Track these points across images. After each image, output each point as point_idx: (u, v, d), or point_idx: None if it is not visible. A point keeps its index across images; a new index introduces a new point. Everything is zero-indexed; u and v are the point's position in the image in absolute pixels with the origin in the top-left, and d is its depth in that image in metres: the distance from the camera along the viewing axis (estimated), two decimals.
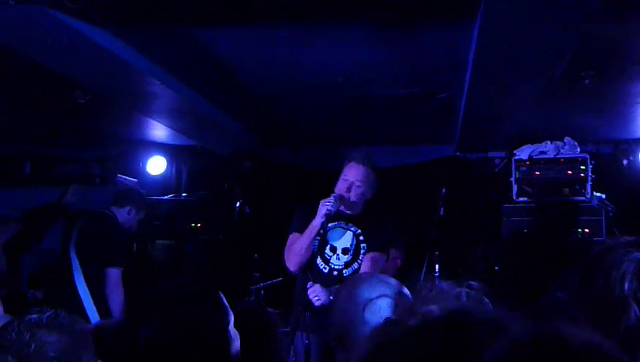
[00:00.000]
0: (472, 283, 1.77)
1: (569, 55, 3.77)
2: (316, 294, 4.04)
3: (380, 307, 2.22)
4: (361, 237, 4.31)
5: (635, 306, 1.46)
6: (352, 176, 4.25)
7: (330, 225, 4.23)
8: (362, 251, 4.30)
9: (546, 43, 3.52)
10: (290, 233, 4.38)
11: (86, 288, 4.95)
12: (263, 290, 5.67)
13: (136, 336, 1.91)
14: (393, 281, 2.37)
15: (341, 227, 4.32)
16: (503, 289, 5.55)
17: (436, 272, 5.30)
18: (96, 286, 4.95)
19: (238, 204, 5.99)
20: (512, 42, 3.53)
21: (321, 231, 4.16)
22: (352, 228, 4.33)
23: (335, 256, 4.30)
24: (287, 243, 4.37)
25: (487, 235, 6.16)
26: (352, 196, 4.23)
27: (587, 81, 4.36)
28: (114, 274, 4.99)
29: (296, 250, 4.24)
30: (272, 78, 4.82)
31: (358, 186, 4.24)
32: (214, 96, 5.27)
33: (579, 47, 3.70)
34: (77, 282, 4.96)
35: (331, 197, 4.14)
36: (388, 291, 2.28)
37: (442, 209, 5.34)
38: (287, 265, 4.34)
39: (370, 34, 3.90)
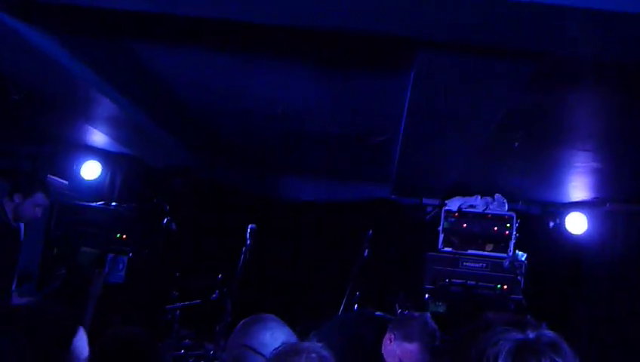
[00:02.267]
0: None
1: (499, 117, 3.88)
2: None
3: None
4: None
5: None
6: None
7: None
8: None
9: (476, 106, 3.62)
10: None
11: None
12: (180, 310, 5.59)
13: None
14: None
15: None
16: None
17: None
18: None
19: (165, 221, 5.91)
20: (443, 100, 3.62)
21: None
22: None
23: None
24: None
25: (411, 281, 6.22)
26: None
27: (516, 143, 4.49)
28: None
29: None
30: (211, 100, 4.82)
31: None
32: (153, 110, 5.23)
33: (509, 111, 3.81)
34: None
35: None
36: None
37: (367, 250, 5.39)
38: None
39: (311, 71, 3.94)
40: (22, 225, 5.21)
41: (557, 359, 1.55)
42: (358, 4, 2.67)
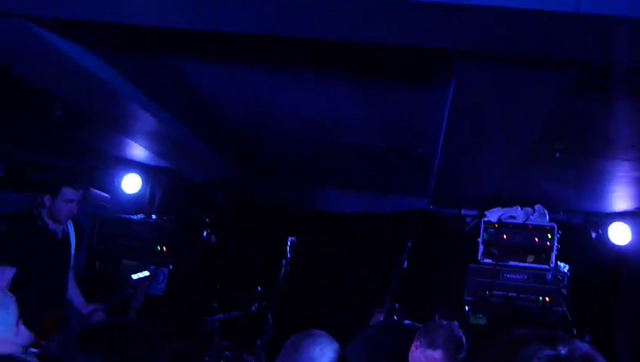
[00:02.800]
0: None
1: (540, 128, 3.84)
2: None
3: None
4: None
5: None
6: None
7: None
8: None
9: (517, 115, 3.59)
10: None
11: None
12: (219, 323, 5.62)
13: None
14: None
15: None
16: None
17: None
18: None
19: (205, 233, 5.97)
20: (483, 110, 3.60)
21: None
22: None
23: None
24: None
25: (451, 292, 6.17)
26: None
27: (558, 153, 4.43)
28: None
29: None
30: (250, 114, 4.87)
31: None
32: (193, 125, 5.29)
33: (550, 121, 3.77)
34: None
35: None
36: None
37: (406, 262, 5.37)
38: None
39: (349, 84, 3.96)
40: (71, 231, 5.25)
41: None
42: (394, 18, 2.67)
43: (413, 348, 3.76)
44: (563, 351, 1.54)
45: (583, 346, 1.59)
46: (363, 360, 3.87)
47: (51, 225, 5.07)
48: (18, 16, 3.16)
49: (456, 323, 3.91)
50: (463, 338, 3.78)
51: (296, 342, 2.74)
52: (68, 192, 4.99)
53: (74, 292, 5.31)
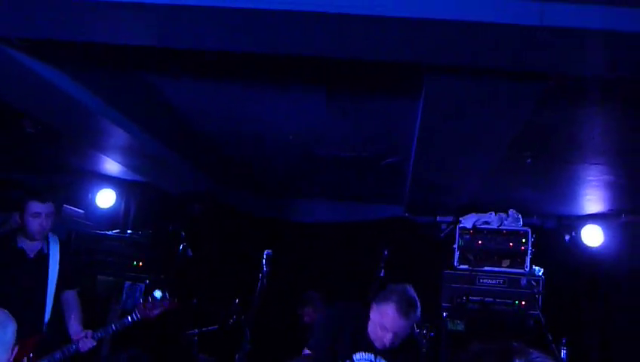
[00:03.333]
0: None
1: (509, 137, 3.89)
2: None
3: None
4: None
5: None
6: (391, 327, 3.75)
7: (357, 356, 3.93)
8: None
9: (486, 126, 3.64)
10: (306, 348, 4.06)
11: None
12: (197, 336, 5.61)
13: None
14: None
15: (370, 360, 3.93)
16: (435, 358, 5.59)
17: None
18: None
19: (181, 247, 5.95)
20: (453, 121, 3.64)
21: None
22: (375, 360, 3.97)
23: None
24: (300, 357, 4.10)
25: (427, 299, 6.19)
26: (387, 344, 3.80)
27: (529, 160, 4.50)
28: None
29: None
30: (224, 127, 4.86)
31: (397, 337, 3.80)
32: (166, 139, 5.29)
33: (521, 129, 3.82)
34: None
35: None
36: None
37: (383, 270, 5.39)
38: None
39: (323, 98, 3.98)
40: (52, 249, 4.97)
41: None
42: (365, 35, 2.70)
43: (370, 315, 3.88)
44: None
45: (539, 357, 1.60)
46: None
47: (24, 243, 4.88)
48: None
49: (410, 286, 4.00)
50: (416, 297, 3.90)
51: None
52: (34, 205, 4.79)
53: (69, 314, 4.97)
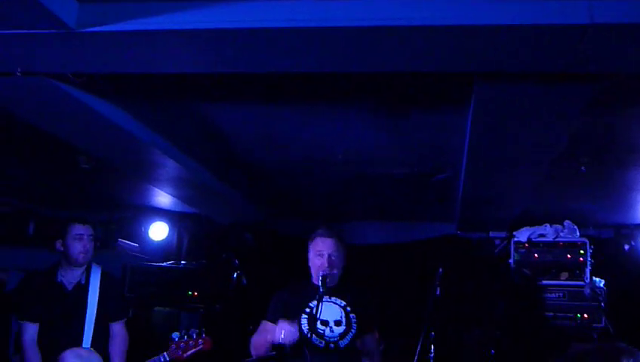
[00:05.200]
0: None
1: (563, 143, 3.83)
2: None
3: None
4: (349, 308, 4.44)
5: None
6: (326, 249, 4.41)
7: (311, 304, 4.33)
8: (354, 321, 4.41)
9: (538, 133, 3.59)
10: (264, 320, 4.50)
11: None
12: None
13: None
14: None
15: (325, 301, 4.30)
16: None
17: (431, 353, 5.21)
18: None
19: (235, 275, 5.97)
20: (505, 130, 3.60)
21: (307, 311, 4.35)
22: (337, 301, 4.45)
23: (328, 328, 4.38)
24: (259, 328, 4.51)
25: (484, 316, 6.10)
26: (335, 269, 4.41)
27: (583, 168, 4.41)
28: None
29: (259, 347, 4.46)
30: (273, 153, 4.91)
31: (336, 257, 4.43)
32: (217, 168, 5.35)
33: (573, 136, 3.76)
34: None
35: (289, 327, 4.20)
36: None
37: (439, 289, 5.31)
38: (251, 350, 4.51)
39: (369, 115, 3.99)
40: (93, 281, 4.95)
41: None
42: (411, 45, 2.70)
43: (308, 258, 4.50)
44: None
45: None
46: None
47: (64, 276, 4.90)
48: (42, 74, 3.23)
49: None
50: None
51: None
52: (76, 228, 4.85)
53: (114, 350, 4.98)
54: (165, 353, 4.70)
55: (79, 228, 4.87)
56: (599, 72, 2.85)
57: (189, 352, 4.76)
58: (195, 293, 6.54)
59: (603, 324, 5.35)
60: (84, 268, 4.97)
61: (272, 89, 3.60)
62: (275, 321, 4.32)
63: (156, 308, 6.67)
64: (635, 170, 4.68)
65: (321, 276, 4.25)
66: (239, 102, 3.88)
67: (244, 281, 6.09)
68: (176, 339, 4.74)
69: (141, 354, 5.19)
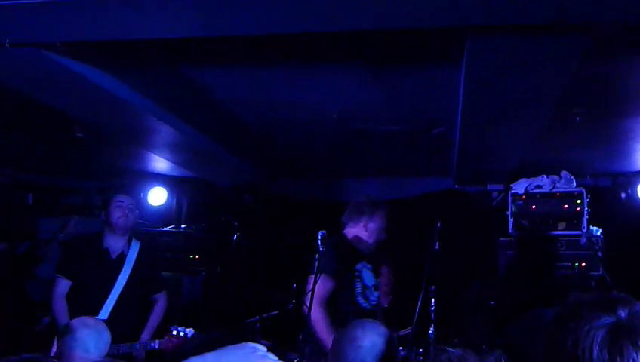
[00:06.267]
0: None
1: (557, 95, 3.81)
2: None
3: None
4: (374, 273, 5.17)
5: None
6: (385, 223, 5.18)
7: (359, 266, 5.01)
8: (379, 285, 5.18)
9: (532, 85, 3.56)
10: (323, 272, 4.62)
11: None
12: (259, 323, 5.67)
13: None
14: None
15: (366, 268, 5.06)
16: (499, 325, 5.54)
17: (432, 306, 5.28)
18: None
19: (235, 237, 6.01)
20: (499, 81, 3.58)
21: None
22: (369, 267, 5.12)
23: (372, 293, 5.07)
24: (321, 284, 4.59)
25: (484, 269, 6.15)
26: (381, 240, 5.22)
27: (578, 118, 4.40)
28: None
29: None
30: (268, 115, 4.89)
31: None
32: (212, 132, 5.33)
33: (568, 86, 3.74)
34: None
35: None
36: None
37: (437, 243, 5.36)
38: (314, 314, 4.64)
39: (361, 73, 3.96)
40: (132, 253, 5.33)
41: None
42: (401, 3, 2.67)
43: (369, 226, 5.26)
44: (623, 313, 1.49)
45: None
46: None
47: (109, 243, 5.29)
48: (31, 45, 3.21)
49: None
50: None
51: (344, 333, 2.78)
52: (119, 197, 5.34)
53: (152, 318, 5.42)
54: (158, 341, 5.01)
55: (122, 198, 5.36)
56: (592, 23, 2.82)
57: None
58: (197, 257, 6.60)
59: (600, 273, 5.39)
60: (126, 238, 5.38)
61: (262, 51, 3.57)
62: (334, 278, 4.78)
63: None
64: (630, 119, 4.66)
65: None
66: (230, 65, 3.85)
67: (244, 243, 6.13)
68: (174, 333, 4.95)
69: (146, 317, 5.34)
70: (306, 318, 4.47)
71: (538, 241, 5.76)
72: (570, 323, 1.51)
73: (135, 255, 5.36)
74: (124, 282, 5.24)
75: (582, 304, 1.55)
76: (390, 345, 2.69)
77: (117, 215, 5.26)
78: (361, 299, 4.97)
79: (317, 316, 4.62)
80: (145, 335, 5.26)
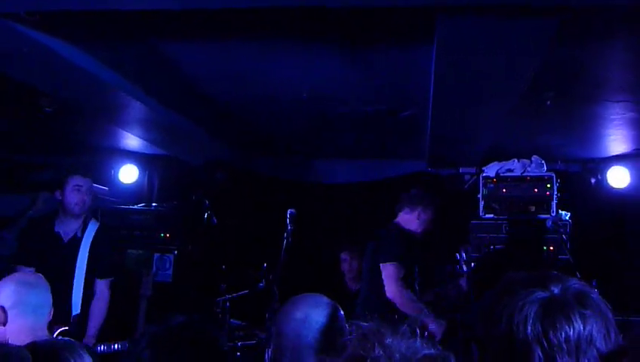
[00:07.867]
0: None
1: (528, 78, 3.82)
2: None
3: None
4: None
5: (539, 349, 1.46)
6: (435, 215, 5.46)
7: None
8: None
9: (503, 67, 3.57)
10: (396, 261, 5.02)
11: None
12: (229, 302, 5.66)
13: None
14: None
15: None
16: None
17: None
18: None
19: (206, 216, 5.98)
20: (469, 65, 3.58)
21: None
22: None
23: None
24: (394, 272, 4.98)
25: (456, 251, 6.18)
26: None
27: (548, 102, 4.42)
28: None
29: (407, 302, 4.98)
30: (239, 91, 4.85)
31: None
32: (184, 108, 5.28)
33: (538, 70, 3.75)
34: None
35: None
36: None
37: None
38: (392, 296, 4.95)
39: (333, 52, 3.93)
40: (88, 234, 4.91)
41: (586, 311, 1.50)
42: None
43: (421, 216, 5.50)
44: (556, 289, 1.53)
45: (577, 283, 1.57)
46: None
47: (60, 226, 4.88)
48: None
49: None
50: None
51: (288, 305, 2.65)
52: (76, 179, 4.86)
53: (93, 308, 4.88)
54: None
55: (79, 180, 4.89)
56: (564, 4, 2.83)
57: None
58: (168, 235, 6.56)
59: (568, 256, 5.44)
60: (81, 220, 4.95)
61: (233, 26, 3.53)
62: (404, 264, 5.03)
63: (129, 251, 6.67)
64: (601, 105, 4.70)
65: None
66: (201, 40, 3.81)
67: (215, 221, 6.10)
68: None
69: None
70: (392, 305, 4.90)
71: (508, 224, 5.79)
72: (505, 298, 1.55)
73: (91, 237, 4.92)
74: (84, 267, 4.84)
75: (516, 281, 1.60)
76: (332, 316, 2.52)
77: (74, 200, 4.83)
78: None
79: (401, 300, 4.94)
80: (89, 340, 4.71)
